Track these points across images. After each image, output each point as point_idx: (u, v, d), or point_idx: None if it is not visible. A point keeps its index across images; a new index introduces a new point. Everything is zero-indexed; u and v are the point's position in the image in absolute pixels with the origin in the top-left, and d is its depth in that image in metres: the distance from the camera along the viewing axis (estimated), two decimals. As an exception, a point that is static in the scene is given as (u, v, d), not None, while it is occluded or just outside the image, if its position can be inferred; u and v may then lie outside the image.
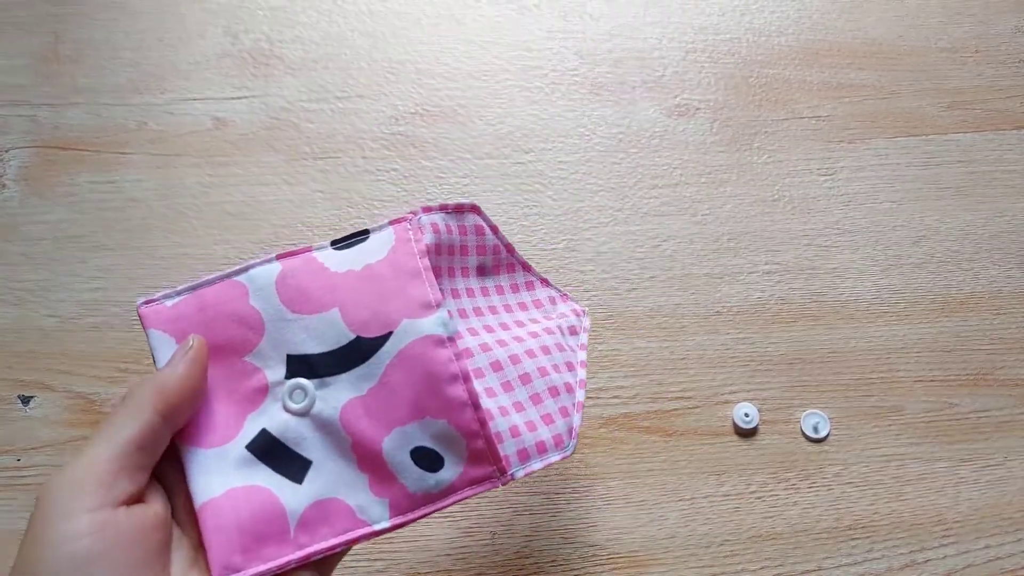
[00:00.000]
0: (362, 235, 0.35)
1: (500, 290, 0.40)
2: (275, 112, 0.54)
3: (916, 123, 0.55)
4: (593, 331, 0.48)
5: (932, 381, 0.48)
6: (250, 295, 0.33)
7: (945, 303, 0.50)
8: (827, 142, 0.55)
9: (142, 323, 0.33)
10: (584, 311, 0.41)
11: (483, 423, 0.32)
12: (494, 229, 0.39)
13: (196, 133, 0.54)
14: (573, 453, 0.36)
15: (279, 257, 0.34)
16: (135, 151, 0.53)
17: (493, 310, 0.39)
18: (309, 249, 0.35)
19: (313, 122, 0.54)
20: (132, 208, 0.51)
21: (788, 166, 0.54)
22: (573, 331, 0.40)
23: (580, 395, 0.37)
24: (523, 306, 0.40)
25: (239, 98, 0.55)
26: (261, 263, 0.34)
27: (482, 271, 0.39)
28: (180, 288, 0.33)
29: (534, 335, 0.38)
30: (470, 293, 0.38)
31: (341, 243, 0.35)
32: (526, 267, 0.41)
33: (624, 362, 0.48)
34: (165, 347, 0.33)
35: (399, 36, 0.57)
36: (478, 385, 0.34)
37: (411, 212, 0.36)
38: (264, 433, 0.32)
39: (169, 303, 0.33)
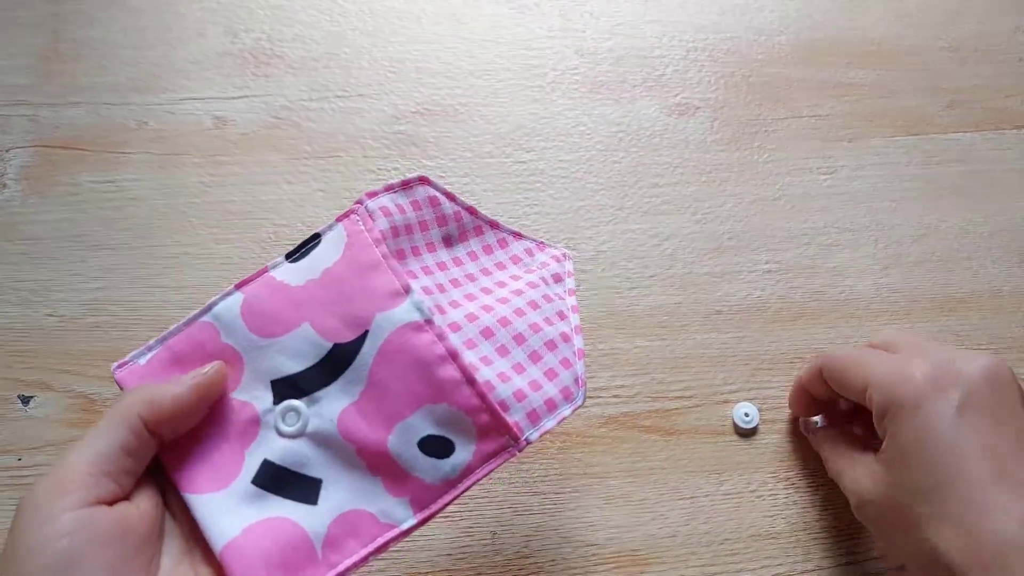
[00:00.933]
0: (314, 240, 0.35)
1: (473, 256, 0.39)
2: (276, 111, 0.54)
3: (916, 122, 0.55)
4: (594, 330, 0.48)
5: (932, 380, 0.48)
6: (220, 333, 0.33)
7: (945, 301, 0.50)
8: (827, 141, 0.55)
9: (120, 387, 0.32)
10: (566, 255, 0.40)
11: (483, 396, 0.32)
12: (449, 196, 0.38)
13: (197, 132, 0.54)
14: (584, 403, 0.35)
15: (238, 286, 0.33)
16: (136, 150, 0.53)
17: (471, 278, 0.38)
18: (265, 270, 0.34)
19: (314, 121, 0.54)
20: (133, 207, 0.51)
21: (788, 165, 0.54)
22: (557, 278, 0.39)
23: (579, 342, 0.36)
24: (501, 266, 0.39)
25: (240, 97, 0.55)
26: (222, 297, 0.33)
27: (449, 241, 0.38)
28: (150, 343, 0.33)
29: (518, 292, 0.37)
30: (442, 267, 0.37)
31: (295, 254, 0.34)
32: (494, 225, 0.40)
33: (625, 361, 0.48)
34: None
35: (400, 35, 0.57)
36: (472, 356, 0.33)
37: (356, 202, 0.35)
38: (266, 463, 0.32)
39: (143, 360, 0.33)
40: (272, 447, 0.32)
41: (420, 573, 0.43)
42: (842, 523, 0.44)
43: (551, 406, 0.34)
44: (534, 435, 0.33)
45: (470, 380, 0.32)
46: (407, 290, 0.32)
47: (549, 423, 0.33)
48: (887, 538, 0.37)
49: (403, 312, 0.32)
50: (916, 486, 0.34)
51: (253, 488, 0.31)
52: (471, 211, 0.39)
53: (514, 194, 0.52)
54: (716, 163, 0.54)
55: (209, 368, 0.32)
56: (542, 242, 0.41)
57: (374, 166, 0.53)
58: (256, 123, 0.54)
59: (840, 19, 0.59)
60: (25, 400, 0.46)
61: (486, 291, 0.37)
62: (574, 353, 0.36)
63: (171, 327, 0.33)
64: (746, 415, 0.46)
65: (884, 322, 0.49)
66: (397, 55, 0.56)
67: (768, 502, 0.45)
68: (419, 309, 0.32)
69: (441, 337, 0.32)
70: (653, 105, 0.55)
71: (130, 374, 0.33)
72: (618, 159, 0.54)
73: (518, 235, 0.41)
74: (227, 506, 0.31)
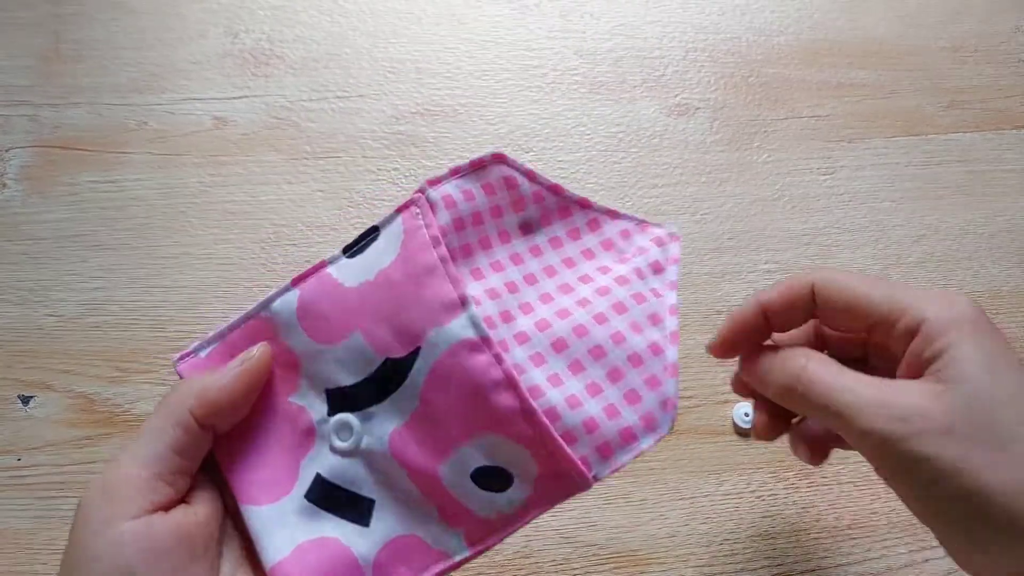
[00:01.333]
0: (372, 233, 0.31)
1: (556, 243, 0.34)
2: (276, 111, 0.54)
3: (916, 122, 0.55)
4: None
5: (932, 380, 0.48)
6: (279, 331, 0.31)
7: (945, 302, 0.50)
8: (827, 141, 0.55)
9: (180, 378, 0.31)
10: (672, 235, 0.34)
11: (543, 428, 0.28)
12: (529, 175, 0.33)
13: (197, 133, 0.54)
14: (672, 430, 0.30)
15: (294, 282, 0.31)
16: (136, 151, 0.53)
17: (550, 271, 0.33)
18: (323, 265, 0.31)
19: (314, 121, 0.54)
20: (133, 207, 0.51)
21: (788, 165, 0.54)
22: (656, 268, 0.33)
23: (672, 354, 0.31)
24: (588, 254, 0.34)
25: (240, 97, 0.55)
26: (279, 293, 0.31)
27: (527, 228, 0.34)
28: (210, 336, 0.32)
29: (604, 291, 0.32)
30: (516, 260, 0.33)
31: (353, 249, 0.31)
32: (584, 204, 0.34)
33: (624, 361, 0.48)
34: None
35: (400, 35, 0.57)
36: (539, 374, 0.29)
37: (418, 190, 0.30)
38: (319, 479, 0.30)
39: (203, 353, 0.31)
40: (325, 462, 0.31)
41: (420, 573, 0.43)
42: (842, 523, 0.44)
43: (627, 437, 0.29)
44: (603, 472, 0.29)
45: (529, 411, 0.28)
46: (464, 301, 0.29)
47: (623, 458, 0.29)
48: (961, 466, 0.27)
49: (459, 327, 0.28)
50: (1010, 391, 0.28)
51: (306, 503, 0.30)
52: (555, 189, 0.33)
53: (514, 194, 0.52)
54: (716, 163, 0.54)
55: (256, 350, 0.31)
56: (644, 221, 0.35)
57: (374, 166, 0.53)
58: (256, 123, 0.54)
59: (840, 19, 0.59)
60: (25, 400, 0.46)
61: (565, 289, 0.33)
62: (664, 368, 0.30)
63: (231, 320, 0.32)
64: (746, 415, 0.46)
65: (884, 322, 0.49)
66: (397, 56, 0.56)
67: (767, 502, 0.45)
68: (475, 325, 0.28)
69: (499, 359, 0.28)
70: (653, 106, 0.55)
71: (191, 367, 0.31)
72: (618, 160, 0.54)
73: (614, 214, 0.35)
74: (280, 521, 0.29)
